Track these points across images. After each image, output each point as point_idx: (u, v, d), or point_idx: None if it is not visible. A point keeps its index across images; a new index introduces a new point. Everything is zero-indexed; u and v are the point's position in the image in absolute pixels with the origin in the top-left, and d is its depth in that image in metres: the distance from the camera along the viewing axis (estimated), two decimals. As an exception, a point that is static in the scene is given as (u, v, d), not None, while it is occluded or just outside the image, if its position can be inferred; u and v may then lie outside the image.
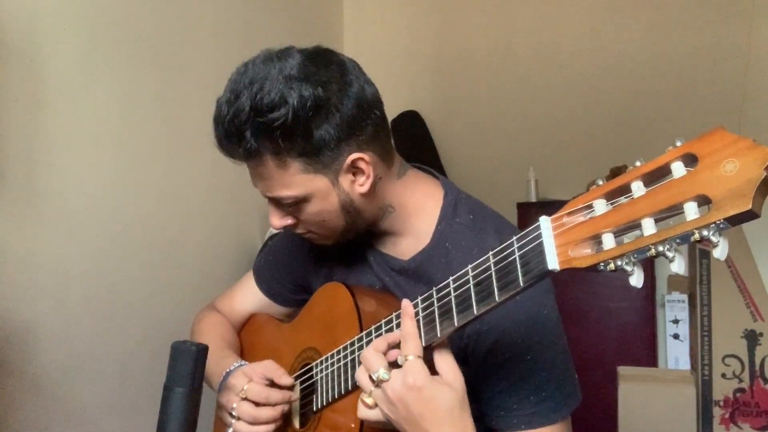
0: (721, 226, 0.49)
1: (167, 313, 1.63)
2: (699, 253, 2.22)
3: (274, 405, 0.95)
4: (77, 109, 1.40)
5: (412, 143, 2.68)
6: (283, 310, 1.19)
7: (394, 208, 0.94)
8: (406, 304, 0.77)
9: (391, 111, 1.00)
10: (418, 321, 0.76)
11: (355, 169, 0.87)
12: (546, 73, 2.68)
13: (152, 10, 1.64)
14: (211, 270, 1.85)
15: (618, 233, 0.56)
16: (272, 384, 0.97)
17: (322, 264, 1.08)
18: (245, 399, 0.95)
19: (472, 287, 0.70)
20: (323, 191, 0.87)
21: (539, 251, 0.61)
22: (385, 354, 0.77)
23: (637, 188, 0.55)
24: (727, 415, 2.15)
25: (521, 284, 0.63)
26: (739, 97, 2.37)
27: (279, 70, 0.82)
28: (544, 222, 0.62)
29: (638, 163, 0.56)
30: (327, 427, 0.94)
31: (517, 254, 0.64)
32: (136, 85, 1.57)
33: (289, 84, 0.80)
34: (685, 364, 2.28)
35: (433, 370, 0.75)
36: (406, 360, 0.74)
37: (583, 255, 0.58)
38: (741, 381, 2.15)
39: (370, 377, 0.76)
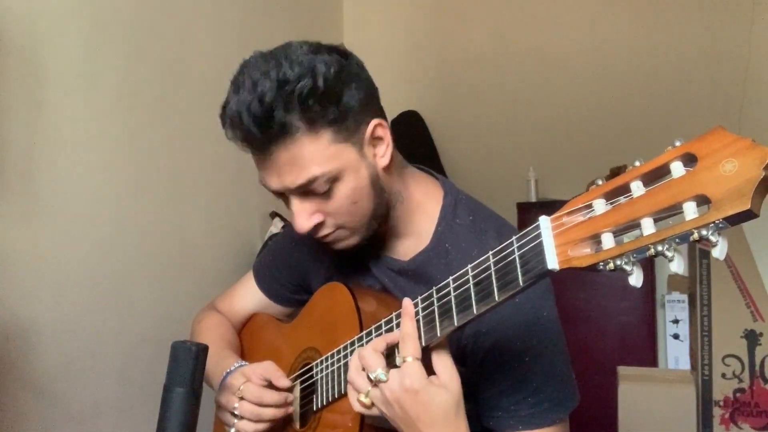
0: (720, 225, 0.49)
1: (167, 313, 1.63)
2: (699, 252, 2.22)
3: (268, 406, 0.95)
4: (77, 109, 1.40)
5: (412, 143, 2.68)
6: (283, 310, 1.19)
7: (403, 198, 0.94)
8: (407, 303, 0.77)
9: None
10: (417, 321, 0.76)
11: (375, 141, 0.89)
12: (546, 74, 2.68)
13: (152, 11, 1.64)
14: (211, 270, 1.85)
15: (617, 233, 0.56)
16: (270, 385, 0.97)
17: (322, 265, 1.08)
18: (242, 399, 0.95)
19: (472, 287, 0.70)
20: (354, 164, 0.86)
21: (539, 251, 0.61)
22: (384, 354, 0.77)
23: (637, 188, 0.55)
24: (727, 415, 2.15)
25: (521, 284, 0.63)
26: (739, 97, 2.37)
27: (292, 51, 0.83)
28: (544, 222, 0.62)
29: (637, 163, 0.56)
30: (327, 426, 0.94)
31: (516, 254, 0.64)
32: (136, 85, 1.57)
33: (308, 56, 0.82)
34: (685, 364, 2.29)
35: (430, 370, 0.75)
36: (404, 361, 0.74)
37: (582, 255, 0.58)
38: (741, 381, 2.15)
39: (368, 377, 0.76)
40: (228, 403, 0.97)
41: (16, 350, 1.25)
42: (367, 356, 0.76)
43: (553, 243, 0.60)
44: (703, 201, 0.50)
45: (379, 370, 0.74)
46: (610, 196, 0.57)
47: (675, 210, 0.52)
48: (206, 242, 1.86)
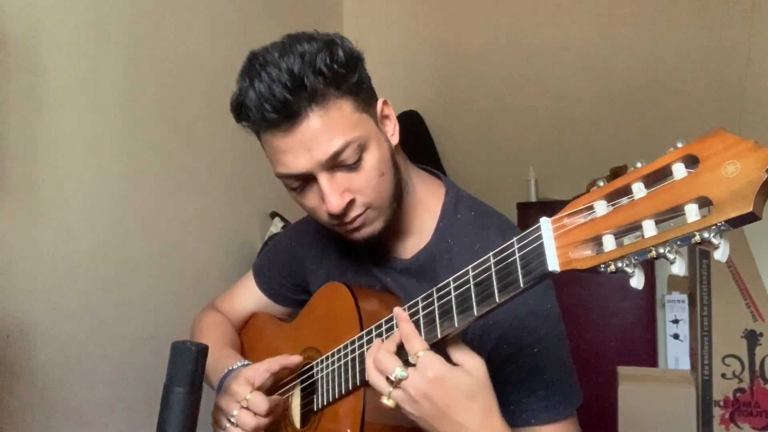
0: (722, 228, 0.49)
1: (167, 313, 1.63)
2: (699, 253, 2.22)
3: (267, 415, 0.93)
4: (77, 110, 1.40)
5: (412, 143, 2.68)
6: (283, 310, 1.19)
7: (409, 189, 0.95)
8: (398, 311, 0.78)
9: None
10: (417, 321, 0.76)
11: (384, 119, 0.91)
12: (546, 73, 2.68)
13: (152, 10, 1.64)
14: (211, 270, 1.85)
15: (618, 235, 0.56)
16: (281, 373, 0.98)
17: (322, 265, 1.08)
18: (246, 408, 0.93)
19: (472, 287, 0.70)
20: (376, 135, 0.87)
21: (539, 252, 0.61)
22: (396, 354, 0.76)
23: (638, 189, 0.55)
24: (727, 415, 2.15)
25: (521, 285, 0.64)
26: (740, 97, 2.37)
27: (301, 35, 0.85)
28: (545, 223, 0.62)
29: (639, 165, 0.56)
30: (328, 426, 0.94)
31: (517, 255, 0.64)
32: (136, 86, 1.57)
33: (319, 35, 0.85)
34: (685, 364, 2.29)
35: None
36: (417, 357, 0.73)
37: (583, 256, 0.58)
38: (741, 381, 2.15)
39: (387, 378, 0.75)
40: (228, 408, 0.95)
41: (16, 350, 1.25)
42: (382, 359, 0.75)
43: (554, 245, 0.60)
44: (704, 203, 0.50)
45: (397, 369, 0.74)
46: (611, 197, 0.57)
47: (677, 212, 0.52)
48: (206, 242, 1.86)
